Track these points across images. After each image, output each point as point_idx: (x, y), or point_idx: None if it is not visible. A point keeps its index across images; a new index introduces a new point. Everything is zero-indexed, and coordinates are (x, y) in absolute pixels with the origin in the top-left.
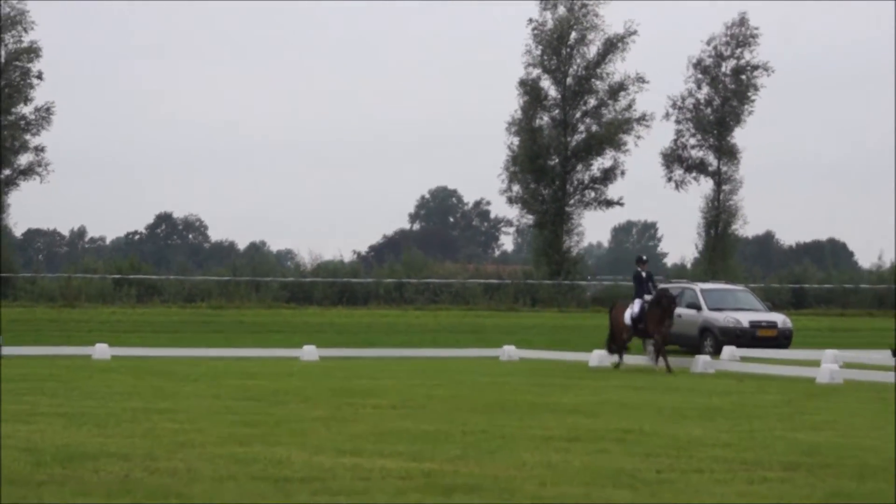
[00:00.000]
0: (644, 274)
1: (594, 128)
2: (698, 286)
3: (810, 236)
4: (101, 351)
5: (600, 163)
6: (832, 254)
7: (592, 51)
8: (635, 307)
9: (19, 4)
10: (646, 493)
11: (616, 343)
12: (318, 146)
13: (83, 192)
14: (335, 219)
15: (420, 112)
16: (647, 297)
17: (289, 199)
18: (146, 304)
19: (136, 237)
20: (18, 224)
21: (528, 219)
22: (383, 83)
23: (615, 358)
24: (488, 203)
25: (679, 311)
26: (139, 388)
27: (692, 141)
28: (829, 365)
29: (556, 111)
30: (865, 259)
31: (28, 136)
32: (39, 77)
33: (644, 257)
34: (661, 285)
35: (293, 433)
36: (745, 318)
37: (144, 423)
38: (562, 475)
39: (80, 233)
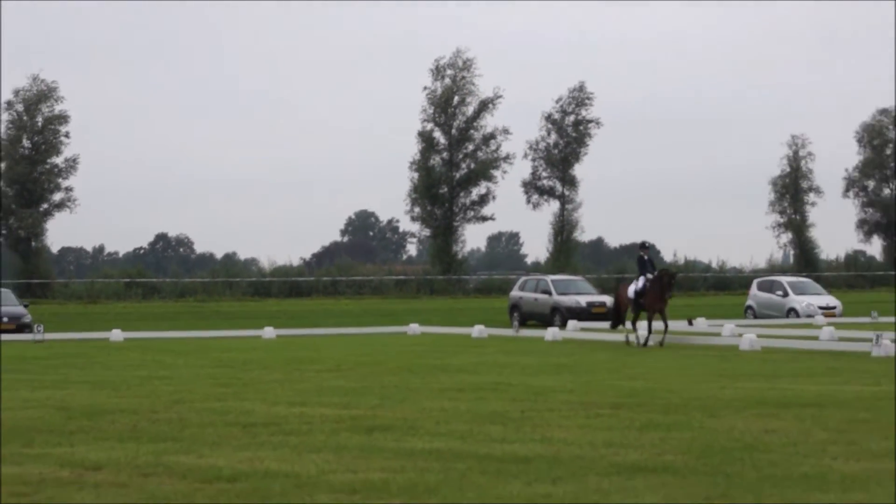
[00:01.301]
0: (646, 257)
1: (472, 165)
2: (549, 277)
3: (630, 240)
4: (116, 335)
5: (477, 190)
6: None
7: (470, 109)
8: (639, 283)
9: (51, 83)
10: (513, 428)
11: (619, 317)
12: (274, 177)
13: (102, 218)
14: (287, 233)
15: (347, 152)
16: (649, 276)
17: (253, 219)
18: (149, 300)
19: (141, 251)
20: (54, 243)
21: (426, 232)
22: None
23: (624, 337)
24: (397, 221)
25: (535, 295)
26: (145, 361)
27: (544, 174)
28: (643, 332)
29: (445, 153)
30: (668, 255)
31: (60, 180)
32: (67, 136)
33: (647, 243)
34: (523, 277)
35: (257, 391)
36: (583, 300)
37: (148, 387)
38: (452, 416)
39: (100, 249)
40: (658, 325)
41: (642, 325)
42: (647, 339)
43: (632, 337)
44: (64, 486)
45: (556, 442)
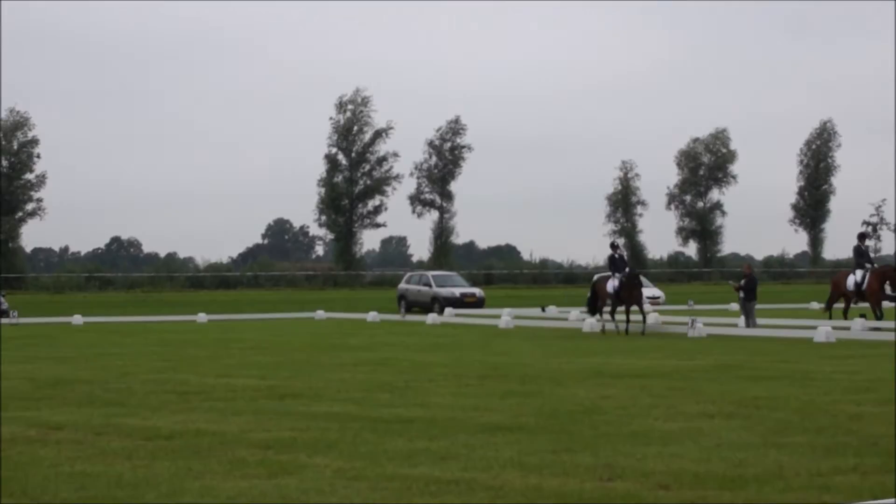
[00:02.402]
0: (617, 256)
1: (368, 182)
2: (430, 273)
3: (496, 242)
4: (77, 319)
5: (373, 202)
6: (507, 252)
7: (367, 137)
8: (615, 281)
9: (25, 113)
10: (398, 395)
11: (597, 307)
12: (208, 191)
13: (67, 224)
14: (218, 236)
15: (269, 170)
16: (619, 276)
17: (190, 225)
18: (105, 291)
19: (99, 251)
20: (27, 244)
21: (331, 235)
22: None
23: (596, 323)
24: (308, 227)
25: (418, 288)
26: (100, 341)
27: (426, 189)
28: (505, 317)
29: (346, 172)
30: (526, 254)
31: (32, 193)
32: (38, 157)
33: (616, 243)
34: (408, 273)
35: (190, 364)
36: (458, 291)
37: (102, 362)
38: (349, 386)
39: (66, 249)
40: (638, 316)
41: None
42: (626, 327)
43: (609, 326)
44: (31, 444)
45: (432, 406)
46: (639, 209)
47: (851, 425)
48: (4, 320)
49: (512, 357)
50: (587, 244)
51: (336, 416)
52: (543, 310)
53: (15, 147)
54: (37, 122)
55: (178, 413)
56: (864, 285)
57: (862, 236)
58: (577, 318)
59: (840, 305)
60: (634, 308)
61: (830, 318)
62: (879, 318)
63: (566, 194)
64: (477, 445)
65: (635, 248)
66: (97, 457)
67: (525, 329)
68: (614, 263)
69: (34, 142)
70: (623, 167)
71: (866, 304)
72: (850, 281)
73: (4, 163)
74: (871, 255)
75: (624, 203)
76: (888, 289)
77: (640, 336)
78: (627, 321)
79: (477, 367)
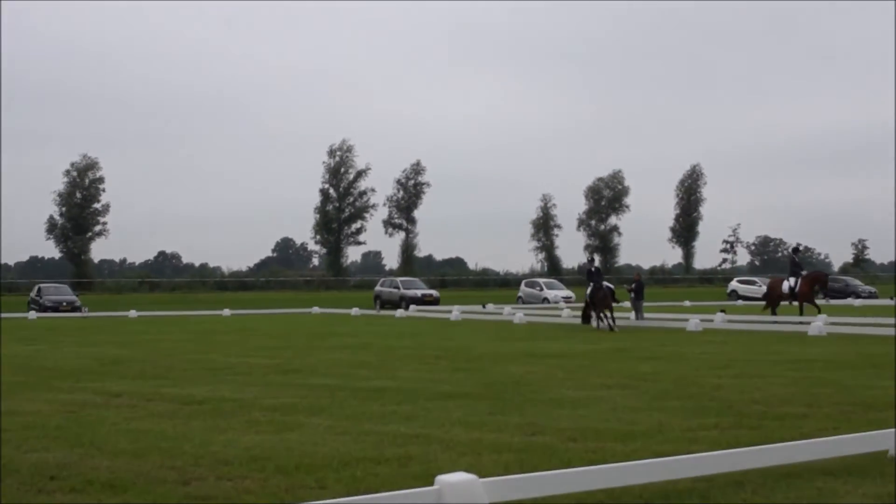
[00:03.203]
0: (593, 269)
1: (352, 210)
2: (399, 279)
3: (448, 255)
4: (132, 314)
5: (356, 225)
6: (458, 263)
7: (351, 175)
8: (589, 289)
9: (94, 158)
10: (374, 370)
11: (586, 314)
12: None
13: (125, 241)
14: (240, 250)
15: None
16: (594, 286)
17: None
18: (153, 292)
19: (149, 262)
20: (95, 257)
21: (324, 250)
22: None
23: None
24: (307, 243)
25: (390, 290)
26: (149, 329)
27: (396, 216)
28: (455, 312)
29: (336, 203)
30: (472, 264)
31: (99, 217)
32: (103, 190)
33: (591, 257)
34: (382, 279)
35: (217, 348)
36: (419, 292)
37: (151, 346)
38: (337, 364)
39: (123, 260)
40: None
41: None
42: (606, 325)
43: (602, 324)
44: (97, 407)
45: (399, 379)
46: (556, 230)
47: (714, 393)
48: (79, 314)
49: (460, 342)
50: (518, 256)
51: (327, 386)
52: (484, 307)
53: (86, 183)
54: (103, 163)
55: (208, 384)
56: (797, 288)
57: (795, 250)
58: (509, 312)
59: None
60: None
61: (774, 314)
62: (801, 314)
63: (502, 218)
64: (433, 409)
65: (553, 260)
66: (147, 418)
67: (470, 321)
68: (591, 275)
69: (100, 179)
70: (544, 199)
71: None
72: (786, 285)
73: (79, 195)
74: (732, 266)
75: (544, 226)
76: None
77: (608, 331)
78: (599, 319)
79: (434, 349)
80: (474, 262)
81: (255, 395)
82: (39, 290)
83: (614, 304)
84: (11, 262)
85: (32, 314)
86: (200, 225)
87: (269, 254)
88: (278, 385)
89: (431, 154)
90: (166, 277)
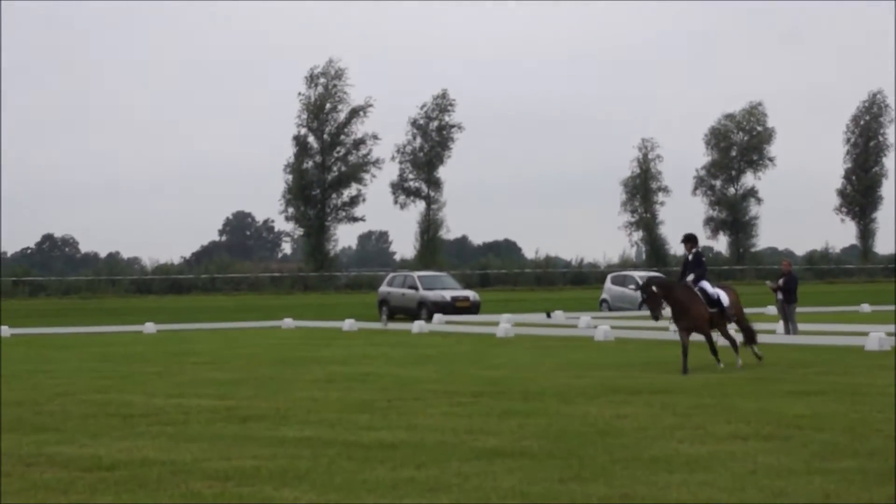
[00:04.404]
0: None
1: (343, 168)
2: (416, 273)
3: (492, 237)
4: (4, 331)
5: (348, 192)
6: (506, 249)
7: (342, 116)
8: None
9: None
10: (379, 416)
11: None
12: (153, 180)
13: None
14: (167, 233)
15: (224, 155)
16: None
17: (134, 221)
18: (36, 297)
19: (28, 251)
20: None
21: (300, 231)
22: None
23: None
24: (273, 221)
25: (403, 291)
26: (30, 355)
27: (411, 176)
28: (504, 324)
29: (317, 157)
30: (529, 252)
31: None
32: None
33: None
34: (391, 274)
35: (136, 383)
36: (448, 294)
37: (32, 380)
38: (322, 406)
39: None
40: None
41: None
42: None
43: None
44: None
45: (420, 429)
46: (660, 196)
47: None
48: None
49: (512, 370)
50: (601, 238)
51: (307, 441)
52: (549, 315)
53: None
54: None
55: (121, 440)
56: None
57: None
58: (587, 324)
59: None
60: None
61: None
62: None
63: (574, 180)
64: (471, 474)
65: (655, 242)
66: (27, 491)
67: (527, 338)
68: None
69: None
70: (642, 147)
71: None
72: None
73: None
74: None
75: (643, 189)
76: None
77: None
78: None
79: (471, 382)
80: (533, 247)
81: (196, 455)
82: None
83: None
84: None
85: None
86: (108, 195)
87: (215, 237)
88: (230, 439)
89: (464, 80)
90: (55, 275)
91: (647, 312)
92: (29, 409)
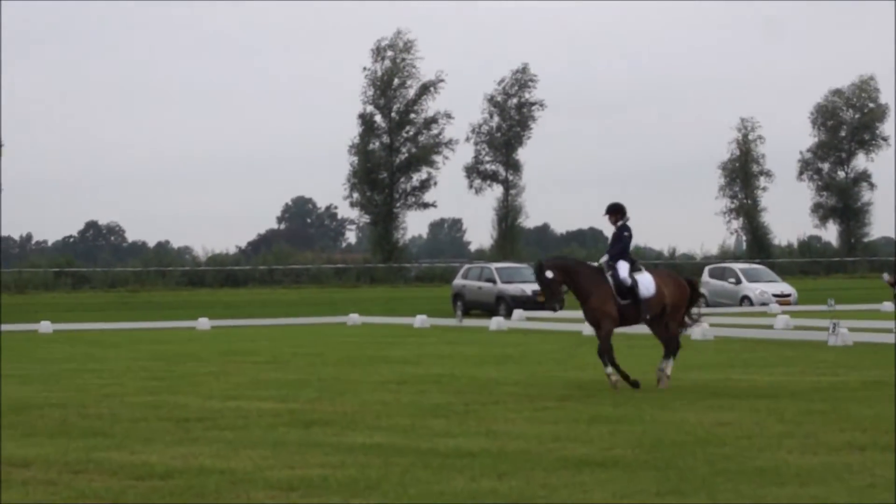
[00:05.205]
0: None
1: (413, 150)
2: (493, 265)
3: (576, 226)
4: (45, 327)
5: (419, 175)
6: (592, 238)
7: (411, 92)
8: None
9: None
10: (456, 421)
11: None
12: (207, 164)
13: (29, 205)
14: (221, 221)
15: (283, 136)
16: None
17: (186, 207)
18: (79, 290)
19: (71, 240)
20: None
21: (366, 218)
22: (248, 113)
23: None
24: (336, 207)
25: (479, 284)
26: (74, 354)
27: (487, 158)
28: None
29: (385, 137)
30: None
31: None
32: None
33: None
34: (466, 265)
35: (190, 384)
36: (528, 288)
37: (77, 381)
38: (393, 410)
39: (28, 237)
40: None
41: None
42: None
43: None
44: None
45: (501, 436)
46: (762, 181)
47: None
48: None
49: (601, 372)
50: (695, 227)
51: (377, 448)
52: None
53: None
54: None
55: (175, 445)
56: None
57: None
58: None
59: None
60: None
61: None
62: None
63: (667, 163)
64: (558, 486)
65: (757, 232)
66: (74, 501)
67: (616, 336)
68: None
69: None
70: (741, 127)
71: None
72: None
73: None
74: None
75: (742, 173)
76: None
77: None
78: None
79: (556, 384)
80: None
81: (257, 463)
82: None
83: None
84: None
85: None
86: (156, 178)
87: (273, 225)
88: (294, 446)
89: (546, 53)
90: (100, 266)
91: (749, 308)
92: (74, 412)
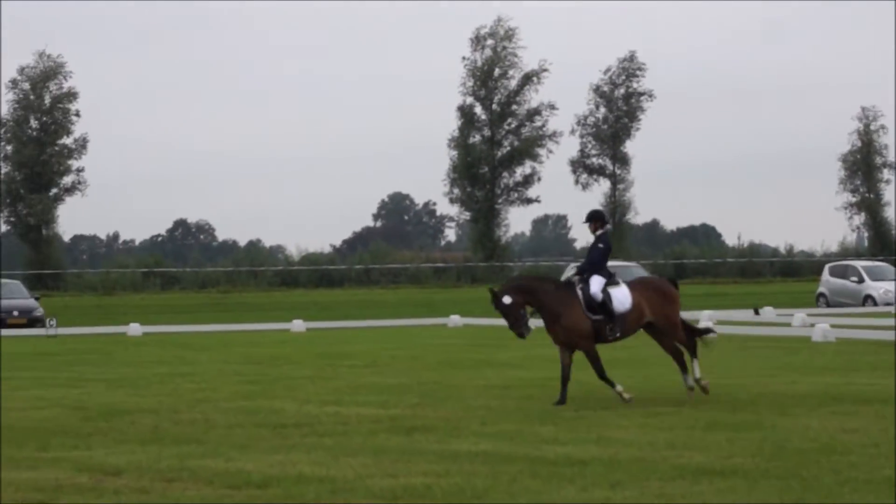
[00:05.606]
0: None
1: (516, 143)
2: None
3: (687, 222)
4: (134, 329)
5: (521, 170)
6: (704, 235)
7: (513, 83)
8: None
9: (58, 58)
10: (565, 428)
11: None
12: (295, 159)
13: (117, 203)
14: (315, 218)
15: (380, 130)
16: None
17: (278, 204)
18: (168, 291)
19: (159, 239)
20: (65, 231)
21: (466, 215)
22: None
23: None
24: (435, 203)
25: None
26: (164, 357)
27: (593, 151)
28: (706, 322)
29: (486, 130)
30: (730, 238)
31: (70, 162)
32: (77, 115)
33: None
34: (572, 264)
35: (286, 388)
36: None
37: (169, 385)
38: (498, 416)
39: (115, 237)
40: None
41: None
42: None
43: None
44: (82, 493)
45: (613, 443)
46: (885, 173)
47: None
48: (40, 330)
49: (717, 376)
50: (814, 223)
51: (483, 455)
52: (757, 312)
53: (47, 103)
54: (74, 69)
55: (272, 453)
56: None
57: None
58: (803, 322)
59: None
60: None
61: None
62: None
63: (783, 156)
64: (675, 495)
65: (880, 227)
66: None
67: (732, 338)
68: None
69: (71, 95)
70: (863, 117)
71: None
72: None
73: (34, 123)
74: None
75: (864, 166)
76: None
77: None
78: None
79: (670, 389)
80: (734, 232)
81: (358, 471)
82: None
83: None
84: None
85: None
86: (247, 174)
87: (369, 223)
88: (396, 453)
89: (654, 41)
90: (190, 266)
91: (873, 309)
92: (167, 418)
